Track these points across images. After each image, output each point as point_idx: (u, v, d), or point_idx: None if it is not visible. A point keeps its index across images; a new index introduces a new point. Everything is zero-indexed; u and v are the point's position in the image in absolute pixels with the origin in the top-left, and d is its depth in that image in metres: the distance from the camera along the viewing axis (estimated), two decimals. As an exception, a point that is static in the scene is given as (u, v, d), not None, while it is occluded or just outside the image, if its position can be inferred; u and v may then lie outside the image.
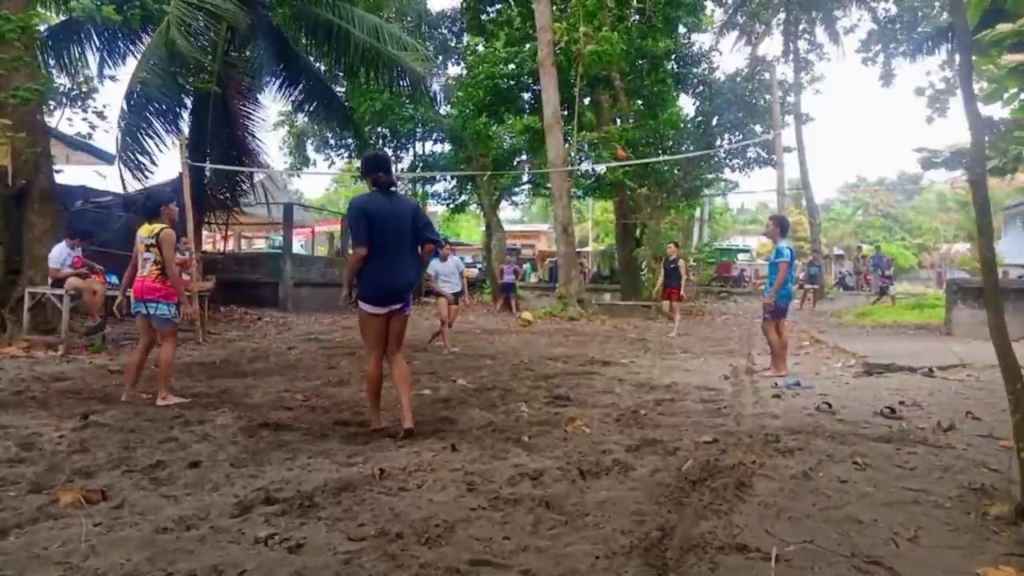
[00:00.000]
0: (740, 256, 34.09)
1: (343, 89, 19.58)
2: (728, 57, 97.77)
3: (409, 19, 22.21)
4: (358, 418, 4.59)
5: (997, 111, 3.12)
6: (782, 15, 23.87)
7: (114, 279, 8.75)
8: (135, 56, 12.37)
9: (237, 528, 2.58)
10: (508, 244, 27.04)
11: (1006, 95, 2.97)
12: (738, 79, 18.65)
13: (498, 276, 19.14)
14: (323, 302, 15.68)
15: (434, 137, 23.72)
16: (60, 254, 8.10)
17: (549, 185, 18.85)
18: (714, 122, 18.82)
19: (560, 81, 15.80)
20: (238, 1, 11.31)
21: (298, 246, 24.29)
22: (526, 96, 19.80)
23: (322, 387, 5.80)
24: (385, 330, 4.13)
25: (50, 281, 8.09)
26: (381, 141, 23.35)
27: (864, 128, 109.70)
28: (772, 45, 30.02)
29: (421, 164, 24.04)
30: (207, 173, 12.78)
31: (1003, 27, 2.69)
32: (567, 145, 16.11)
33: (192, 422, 4.30)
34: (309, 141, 24.47)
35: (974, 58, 2.84)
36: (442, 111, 22.27)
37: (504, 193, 26.19)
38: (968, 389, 5.94)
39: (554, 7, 16.30)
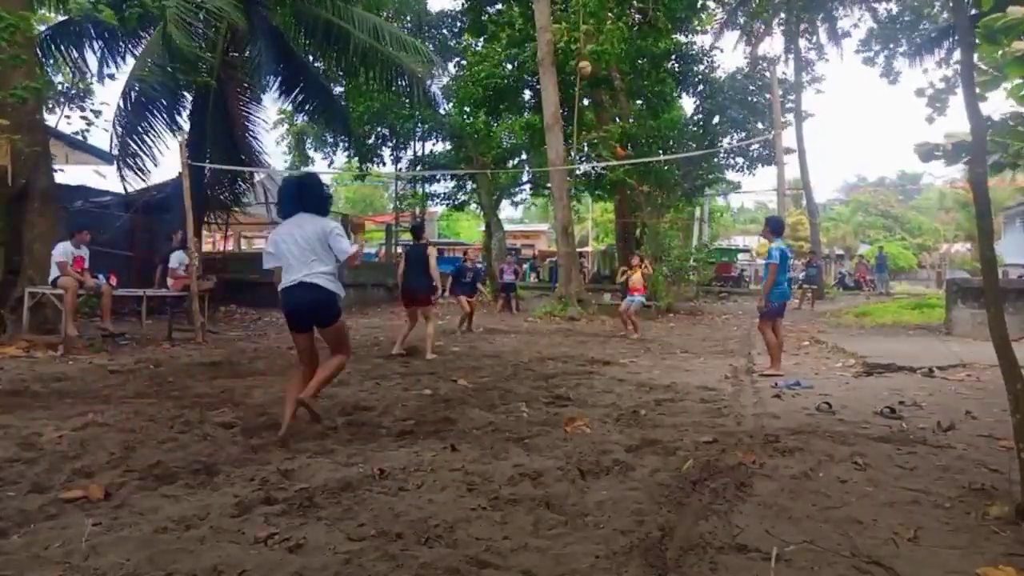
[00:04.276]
0: (740, 256, 34.05)
1: (342, 89, 19.56)
2: (729, 56, 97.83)
3: (408, 19, 22.16)
4: (360, 417, 4.59)
5: (998, 104, 3.05)
6: (783, 15, 23.80)
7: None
8: (134, 55, 12.38)
9: (237, 528, 2.58)
10: (508, 244, 27.03)
11: (1009, 85, 2.88)
12: (738, 77, 18.65)
13: (498, 276, 19.13)
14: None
15: (434, 136, 23.70)
16: (64, 251, 8.14)
17: (549, 185, 18.83)
18: (715, 121, 18.82)
19: (560, 81, 15.80)
20: (238, 0, 11.31)
21: (298, 246, 24.22)
22: (527, 95, 19.78)
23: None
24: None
25: (51, 277, 8.10)
26: (381, 140, 23.34)
27: (864, 128, 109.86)
28: (773, 44, 30.00)
29: (421, 164, 24.02)
30: (207, 173, 12.78)
31: (1015, 10, 2.57)
32: (567, 145, 16.09)
33: (192, 422, 4.30)
34: (308, 140, 24.46)
35: (983, 45, 2.78)
36: (442, 110, 22.26)
37: (504, 193, 26.18)
38: (968, 389, 5.94)
39: (554, 7, 16.29)
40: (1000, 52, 2.72)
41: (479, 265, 19.08)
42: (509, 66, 18.24)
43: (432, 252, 8.20)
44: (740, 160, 19.39)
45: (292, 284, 4.04)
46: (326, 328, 4.20)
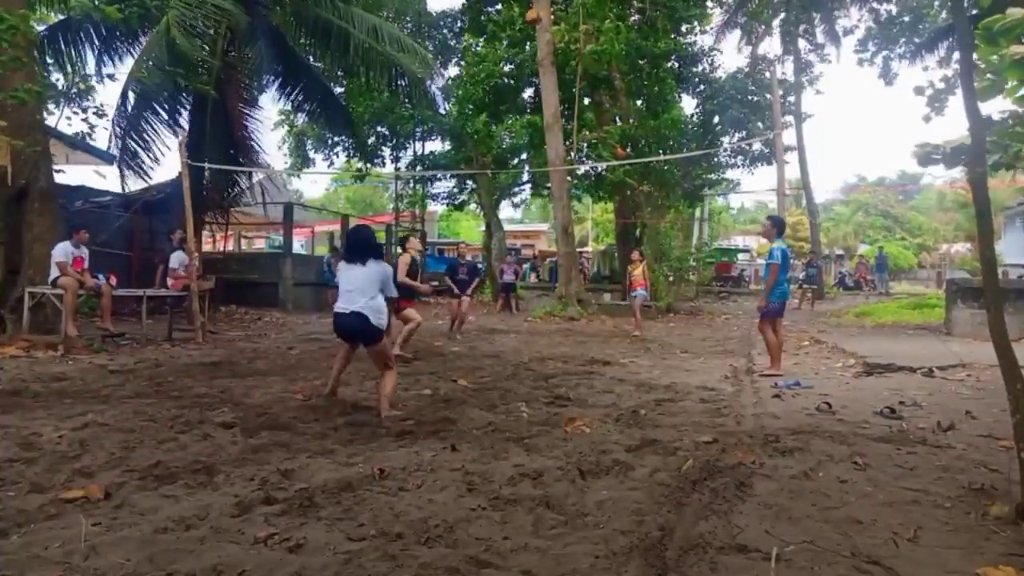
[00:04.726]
0: (740, 256, 34.04)
1: (342, 89, 19.55)
2: (729, 56, 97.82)
3: (408, 19, 22.14)
4: (360, 417, 4.59)
5: (997, 103, 3.01)
6: (782, 15, 23.79)
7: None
8: (133, 56, 12.38)
9: (237, 528, 2.58)
10: (508, 244, 27.01)
11: (1008, 86, 2.87)
12: (739, 76, 18.67)
13: (498, 276, 19.12)
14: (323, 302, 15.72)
15: (434, 136, 23.69)
16: (64, 251, 8.14)
17: (549, 185, 18.83)
18: (715, 120, 18.83)
19: (560, 81, 15.80)
20: (237, 0, 11.31)
21: (298, 246, 24.25)
22: (527, 95, 19.74)
23: (322, 387, 5.79)
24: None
25: (51, 277, 8.09)
26: (380, 140, 23.34)
27: (864, 128, 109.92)
28: (773, 44, 29.99)
29: (421, 164, 24.02)
30: (206, 173, 12.78)
31: (1014, 11, 2.55)
32: (567, 144, 16.09)
33: (192, 422, 4.30)
34: (308, 140, 24.43)
35: (982, 47, 2.77)
36: (442, 111, 22.25)
37: (504, 193, 26.16)
38: (968, 389, 5.94)
39: (554, 7, 16.29)
40: (999, 55, 2.70)
41: (479, 265, 19.07)
42: (509, 66, 18.22)
43: (404, 260, 8.14)
44: (740, 159, 19.42)
45: (344, 312, 4.73)
46: (371, 348, 4.78)
